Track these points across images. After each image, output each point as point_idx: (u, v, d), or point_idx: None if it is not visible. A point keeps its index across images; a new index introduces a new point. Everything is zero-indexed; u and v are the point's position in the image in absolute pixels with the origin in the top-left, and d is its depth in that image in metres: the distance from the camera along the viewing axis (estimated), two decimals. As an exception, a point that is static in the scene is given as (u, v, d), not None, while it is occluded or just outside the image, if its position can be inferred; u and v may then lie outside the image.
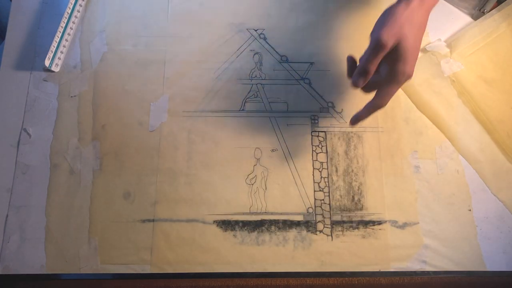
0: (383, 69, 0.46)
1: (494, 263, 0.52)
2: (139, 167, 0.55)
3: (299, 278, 0.51)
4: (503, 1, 0.61)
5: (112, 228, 0.53)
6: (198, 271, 0.51)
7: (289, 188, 0.55)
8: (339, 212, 0.54)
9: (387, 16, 0.45)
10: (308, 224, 0.53)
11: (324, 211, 0.54)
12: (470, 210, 0.54)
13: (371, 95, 0.48)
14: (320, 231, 0.53)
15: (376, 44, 0.44)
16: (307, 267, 0.52)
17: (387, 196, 0.55)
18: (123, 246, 0.52)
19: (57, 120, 0.57)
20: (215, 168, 0.55)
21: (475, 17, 0.62)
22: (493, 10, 0.61)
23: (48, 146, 0.55)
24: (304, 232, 0.53)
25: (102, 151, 0.55)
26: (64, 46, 0.59)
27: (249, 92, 0.58)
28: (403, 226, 0.54)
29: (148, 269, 0.51)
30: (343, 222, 0.54)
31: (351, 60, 0.50)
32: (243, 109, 0.58)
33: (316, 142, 0.57)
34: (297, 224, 0.53)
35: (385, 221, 0.54)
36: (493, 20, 0.60)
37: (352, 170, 0.56)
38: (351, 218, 0.54)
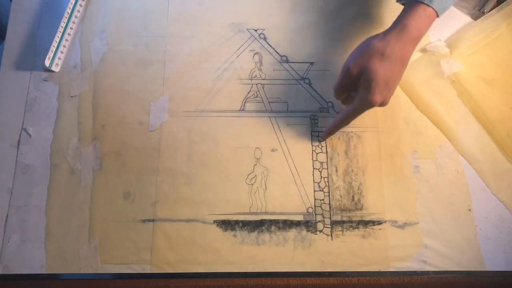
0: (355, 92, 0.50)
1: (494, 263, 0.52)
2: (139, 167, 0.55)
3: (299, 278, 0.51)
4: (503, 1, 0.61)
5: (112, 228, 0.53)
6: (198, 271, 0.51)
7: (289, 188, 0.55)
8: (339, 212, 0.54)
9: (361, 45, 0.49)
10: (308, 224, 0.53)
11: (324, 211, 0.54)
12: (470, 210, 0.54)
13: None
14: (320, 231, 0.53)
15: (342, 70, 0.49)
16: (307, 267, 0.52)
17: (387, 196, 0.55)
18: (123, 246, 0.52)
19: (57, 120, 0.57)
20: (215, 168, 0.55)
21: (475, 17, 0.62)
22: (493, 10, 0.61)
23: (48, 146, 0.55)
24: (304, 232, 0.53)
25: (102, 151, 0.55)
26: (64, 46, 0.59)
27: (249, 92, 0.58)
28: (403, 226, 0.54)
29: (148, 269, 0.51)
30: (343, 222, 0.54)
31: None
32: (243, 109, 0.58)
33: (316, 142, 0.57)
34: (297, 224, 0.53)
35: (385, 221, 0.54)
36: (493, 20, 0.60)
37: (352, 170, 0.56)
38: (351, 218, 0.54)
